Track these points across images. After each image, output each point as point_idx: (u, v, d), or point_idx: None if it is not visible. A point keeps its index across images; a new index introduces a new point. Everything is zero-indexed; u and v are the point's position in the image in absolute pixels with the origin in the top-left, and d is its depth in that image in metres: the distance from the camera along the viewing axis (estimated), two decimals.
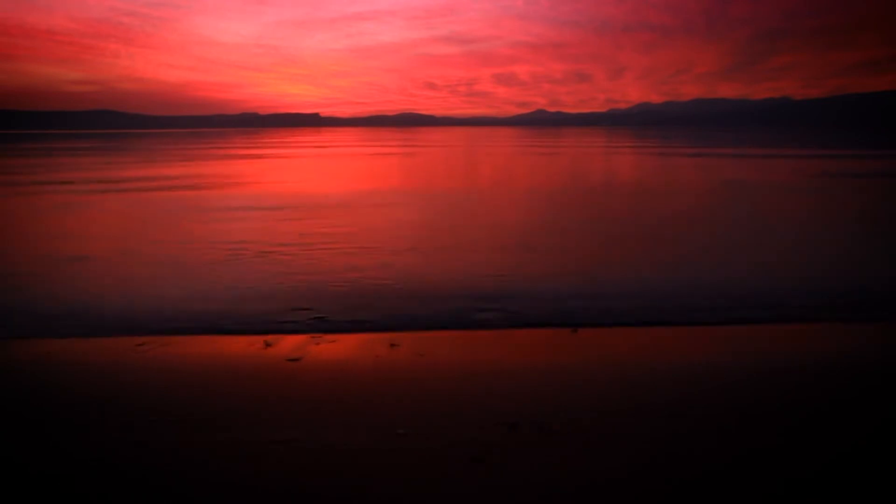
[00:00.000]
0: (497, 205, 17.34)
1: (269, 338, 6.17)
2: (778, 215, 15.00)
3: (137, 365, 5.43)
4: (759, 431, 4.00)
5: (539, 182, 24.79)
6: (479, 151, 51.21)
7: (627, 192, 20.46)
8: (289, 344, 6.00)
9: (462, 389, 4.76)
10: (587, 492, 3.31)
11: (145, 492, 3.34)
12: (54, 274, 9.06)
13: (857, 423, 4.11)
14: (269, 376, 5.12)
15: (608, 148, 57.06)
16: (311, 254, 10.19)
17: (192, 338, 6.25)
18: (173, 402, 4.54)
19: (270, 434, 3.96)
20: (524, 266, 9.34)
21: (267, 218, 14.38)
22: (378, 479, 3.44)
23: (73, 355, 5.72)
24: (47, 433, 4.04)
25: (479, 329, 6.55)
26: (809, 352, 5.71)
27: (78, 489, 3.38)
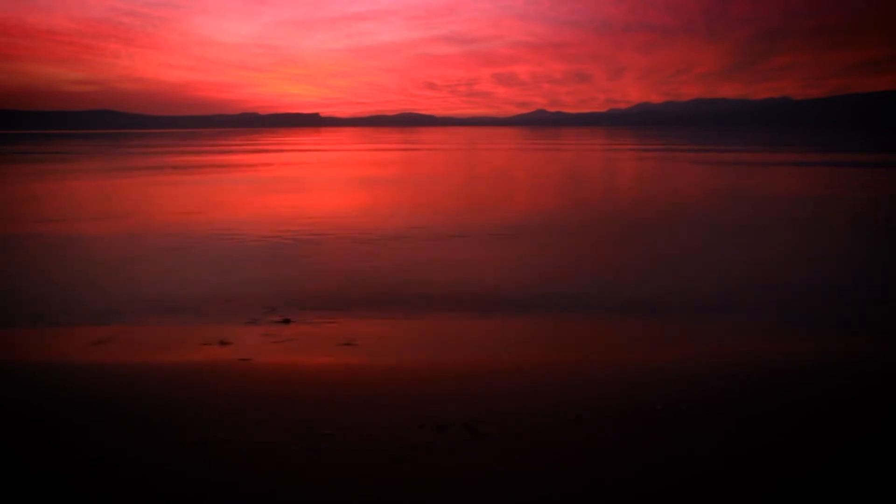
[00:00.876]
0: (495, 205, 17.33)
1: (225, 336, 6.19)
2: (778, 218, 14.99)
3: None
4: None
5: (543, 183, 24.79)
6: (492, 154, 51.13)
7: (632, 193, 20.46)
8: (244, 343, 6.02)
9: (406, 390, 4.75)
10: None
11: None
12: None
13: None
14: (216, 375, 5.12)
15: (611, 148, 57.02)
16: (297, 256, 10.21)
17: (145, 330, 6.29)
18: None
19: (193, 434, 3.97)
20: (521, 266, 9.34)
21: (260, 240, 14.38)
22: (295, 479, 3.45)
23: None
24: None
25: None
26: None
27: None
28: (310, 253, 10.22)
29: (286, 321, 6.65)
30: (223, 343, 5.96)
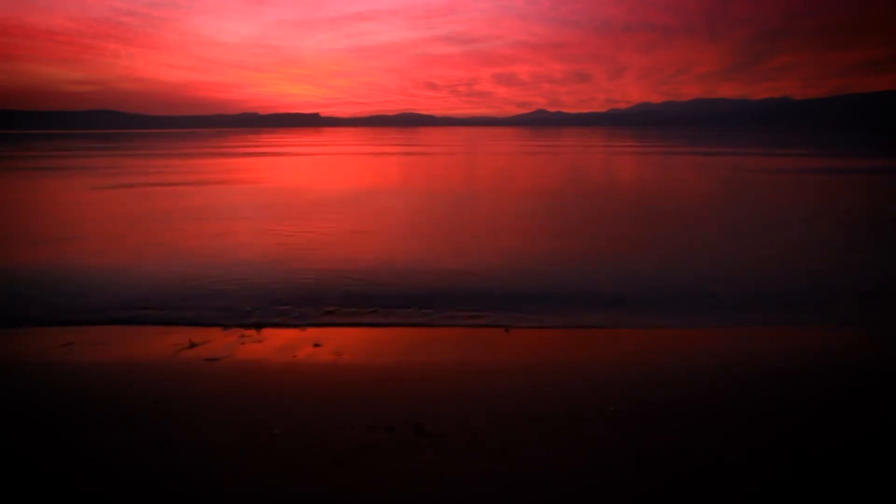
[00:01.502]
0: (494, 203, 17.34)
1: (195, 337, 6.17)
2: (779, 218, 14.99)
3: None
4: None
5: (543, 183, 24.80)
6: (494, 158, 51.09)
7: (632, 193, 20.47)
8: (214, 343, 6.03)
9: (358, 392, 4.76)
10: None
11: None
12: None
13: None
14: (181, 375, 5.16)
15: (612, 149, 57.04)
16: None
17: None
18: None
19: (156, 433, 4.00)
20: (520, 264, 9.34)
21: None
22: (238, 476, 3.48)
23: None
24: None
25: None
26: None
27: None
28: (297, 258, 10.20)
29: (258, 325, 6.66)
30: (193, 345, 5.96)
